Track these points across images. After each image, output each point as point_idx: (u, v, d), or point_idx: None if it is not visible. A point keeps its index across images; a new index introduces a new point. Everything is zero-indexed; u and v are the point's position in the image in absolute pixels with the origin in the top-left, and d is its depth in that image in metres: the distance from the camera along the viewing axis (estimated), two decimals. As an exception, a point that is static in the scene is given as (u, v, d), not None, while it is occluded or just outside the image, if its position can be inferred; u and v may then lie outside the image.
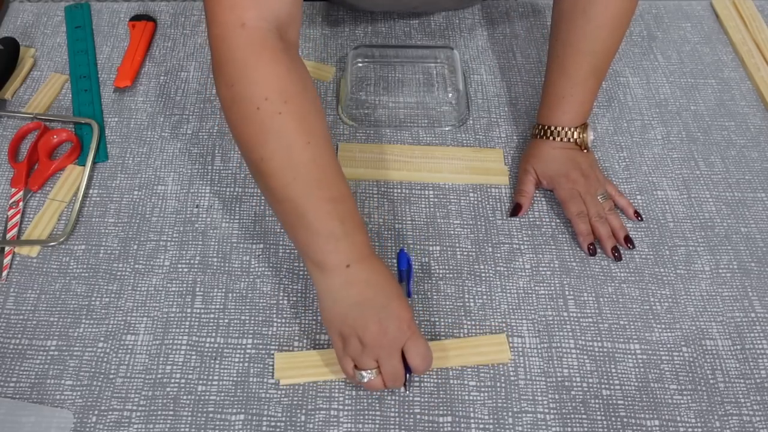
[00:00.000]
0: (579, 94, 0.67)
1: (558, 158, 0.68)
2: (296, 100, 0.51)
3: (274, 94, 0.50)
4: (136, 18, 0.85)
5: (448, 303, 0.62)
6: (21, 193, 0.68)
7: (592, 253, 0.65)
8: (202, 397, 0.57)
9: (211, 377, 0.58)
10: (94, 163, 0.71)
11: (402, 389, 0.56)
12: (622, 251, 0.65)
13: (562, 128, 0.68)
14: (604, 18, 0.64)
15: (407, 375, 0.54)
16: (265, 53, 0.51)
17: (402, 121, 0.76)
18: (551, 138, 0.68)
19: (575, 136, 0.68)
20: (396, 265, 0.60)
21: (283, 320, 0.61)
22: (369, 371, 0.52)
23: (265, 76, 0.50)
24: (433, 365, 0.58)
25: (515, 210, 0.68)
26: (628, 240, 0.66)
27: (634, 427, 0.55)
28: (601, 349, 0.60)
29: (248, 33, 0.50)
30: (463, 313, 0.62)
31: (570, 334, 0.61)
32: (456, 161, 0.72)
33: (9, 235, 0.65)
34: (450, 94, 0.77)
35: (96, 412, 0.55)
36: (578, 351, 0.60)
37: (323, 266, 0.52)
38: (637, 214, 0.68)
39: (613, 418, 0.56)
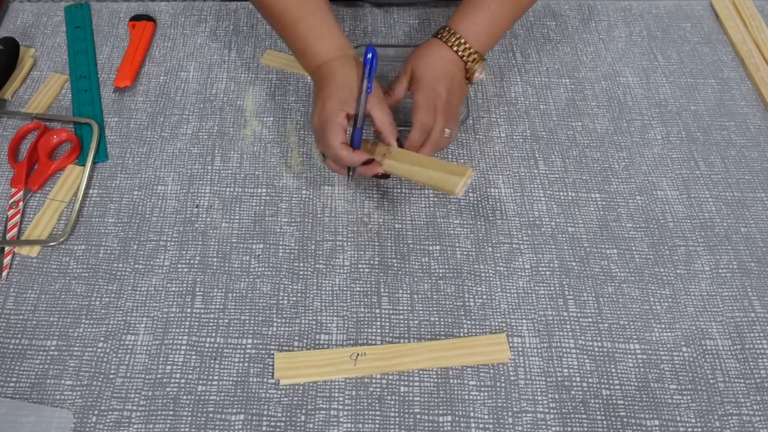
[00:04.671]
0: (494, 9, 0.67)
1: (439, 66, 0.66)
2: None
3: None
4: (136, 18, 0.85)
5: (448, 303, 0.62)
6: (21, 193, 0.68)
7: None
8: (202, 397, 0.57)
9: (211, 377, 0.58)
10: (94, 163, 0.71)
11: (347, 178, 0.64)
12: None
13: (464, 41, 0.67)
14: None
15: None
16: None
17: (402, 121, 0.76)
18: (448, 43, 0.67)
19: (469, 58, 0.67)
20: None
21: (283, 320, 0.61)
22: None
23: None
24: (433, 365, 0.58)
25: None
26: None
27: (634, 427, 0.56)
28: (601, 349, 0.60)
29: None
30: (463, 313, 0.62)
31: (570, 334, 0.61)
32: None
33: (9, 235, 0.65)
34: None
35: (96, 412, 0.55)
36: (578, 351, 0.60)
37: (308, 73, 0.66)
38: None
39: (613, 418, 0.56)
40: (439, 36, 0.68)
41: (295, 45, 0.65)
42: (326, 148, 0.61)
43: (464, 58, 0.67)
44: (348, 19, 0.86)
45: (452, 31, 0.67)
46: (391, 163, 0.63)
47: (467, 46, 0.67)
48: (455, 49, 0.67)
